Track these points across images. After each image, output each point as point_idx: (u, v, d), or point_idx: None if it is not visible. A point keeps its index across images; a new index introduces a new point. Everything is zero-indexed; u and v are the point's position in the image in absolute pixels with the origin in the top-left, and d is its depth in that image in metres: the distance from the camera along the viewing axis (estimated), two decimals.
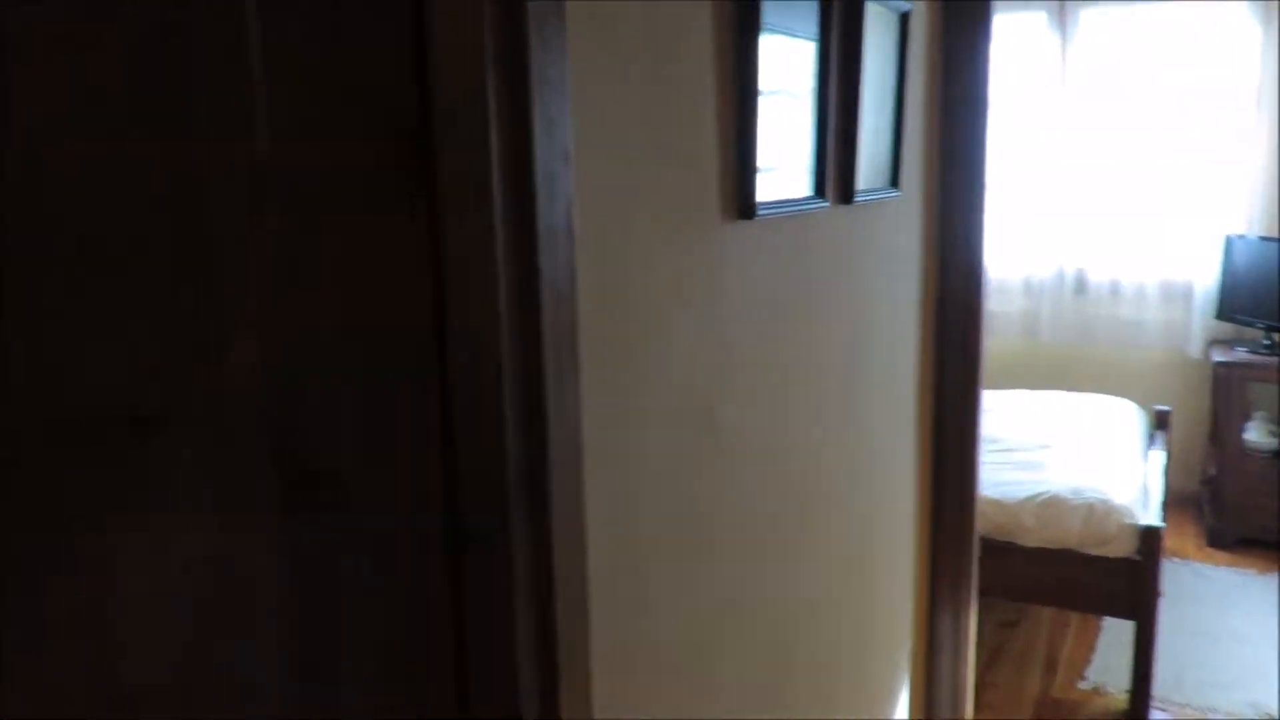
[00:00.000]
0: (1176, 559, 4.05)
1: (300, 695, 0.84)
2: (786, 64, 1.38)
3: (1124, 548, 2.95)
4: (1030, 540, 3.06)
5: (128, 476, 0.77)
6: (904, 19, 1.83)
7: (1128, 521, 2.96)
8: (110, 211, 0.75)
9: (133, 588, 0.80)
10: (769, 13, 1.26)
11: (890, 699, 2.16)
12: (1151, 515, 3.03)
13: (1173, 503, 4.02)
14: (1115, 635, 3.46)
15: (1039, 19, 4.63)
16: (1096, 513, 2.99)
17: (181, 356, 0.78)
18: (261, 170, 0.76)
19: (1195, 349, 4.58)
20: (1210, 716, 3.02)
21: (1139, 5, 4.50)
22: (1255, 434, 4.16)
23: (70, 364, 0.76)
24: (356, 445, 0.81)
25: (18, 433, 0.75)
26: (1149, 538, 2.90)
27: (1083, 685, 3.24)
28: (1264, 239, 4.25)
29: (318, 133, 0.77)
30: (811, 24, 1.43)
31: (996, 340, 4.68)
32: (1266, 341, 4.24)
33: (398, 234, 0.79)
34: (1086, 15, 4.58)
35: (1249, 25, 4.33)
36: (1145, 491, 3.24)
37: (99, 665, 0.82)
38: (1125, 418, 3.90)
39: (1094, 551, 2.99)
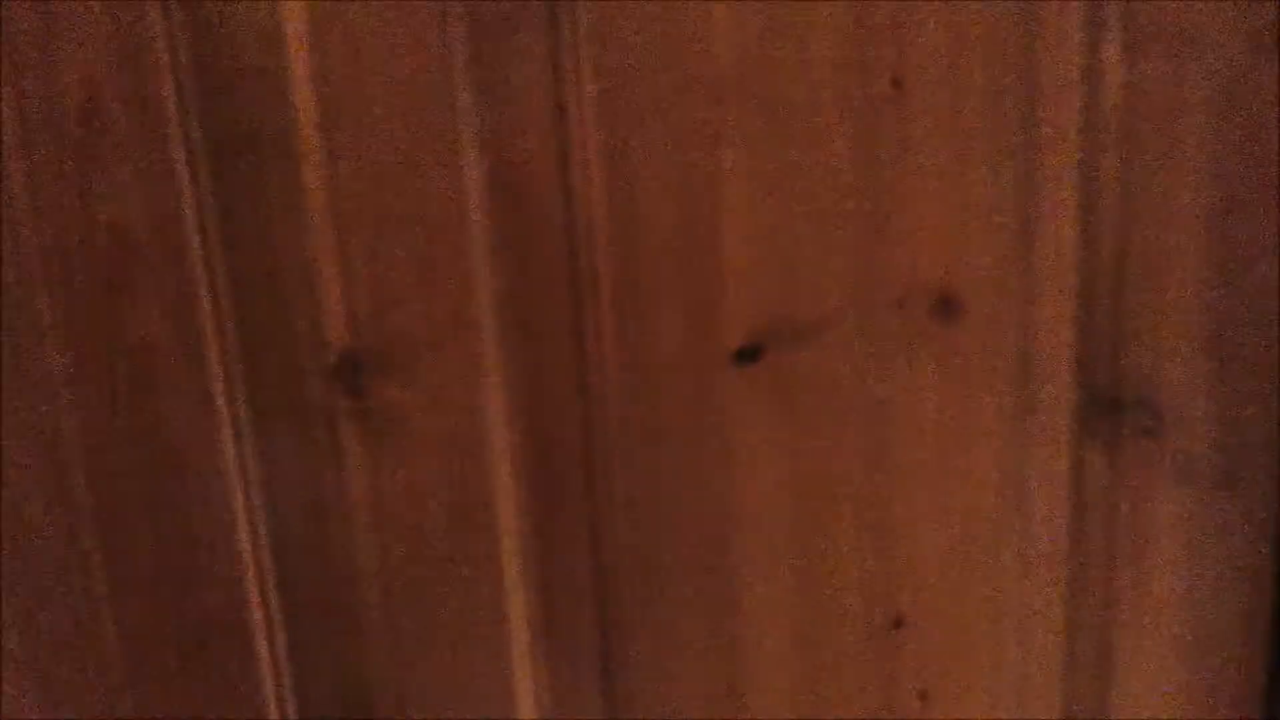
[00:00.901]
0: None
1: (1076, 630, 0.73)
2: None
3: None
4: None
5: (923, 358, 0.71)
6: None
7: None
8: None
9: (909, 480, 0.74)
10: None
11: None
12: None
13: None
14: None
15: None
16: None
17: (990, 233, 0.68)
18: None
19: None
20: None
21: None
22: None
23: (885, 236, 0.70)
24: (1179, 364, 0.65)
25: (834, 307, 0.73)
26: None
27: None
28: None
29: None
30: None
31: None
32: None
33: (1254, 82, 0.59)
34: None
35: None
36: None
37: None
38: None
39: None
